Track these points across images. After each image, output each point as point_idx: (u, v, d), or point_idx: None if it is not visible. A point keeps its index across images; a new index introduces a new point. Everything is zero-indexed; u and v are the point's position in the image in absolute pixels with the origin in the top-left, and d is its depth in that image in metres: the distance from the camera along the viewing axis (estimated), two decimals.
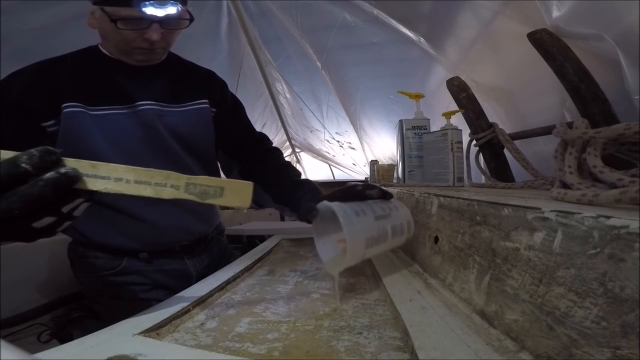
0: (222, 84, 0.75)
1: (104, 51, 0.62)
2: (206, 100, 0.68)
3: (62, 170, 0.27)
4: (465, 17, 0.91)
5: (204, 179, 0.31)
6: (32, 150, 0.26)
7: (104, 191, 0.29)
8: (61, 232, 0.69)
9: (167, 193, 0.30)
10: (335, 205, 0.39)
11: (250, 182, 0.33)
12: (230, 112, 0.75)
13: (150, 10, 0.55)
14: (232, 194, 0.32)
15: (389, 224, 0.42)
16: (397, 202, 0.48)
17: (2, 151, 0.27)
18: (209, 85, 0.71)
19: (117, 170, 0.29)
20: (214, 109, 0.70)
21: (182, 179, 0.31)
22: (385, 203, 0.45)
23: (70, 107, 0.56)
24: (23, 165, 0.26)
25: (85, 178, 0.28)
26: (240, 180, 0.32)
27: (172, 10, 0.56)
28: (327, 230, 0.43)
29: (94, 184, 0.29)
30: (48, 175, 0.26)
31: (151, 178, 0.30)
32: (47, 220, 0.28)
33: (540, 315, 0.25)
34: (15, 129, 0.54)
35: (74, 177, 0.27)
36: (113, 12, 0.54)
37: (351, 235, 0.37)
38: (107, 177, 0.29)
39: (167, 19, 0.56)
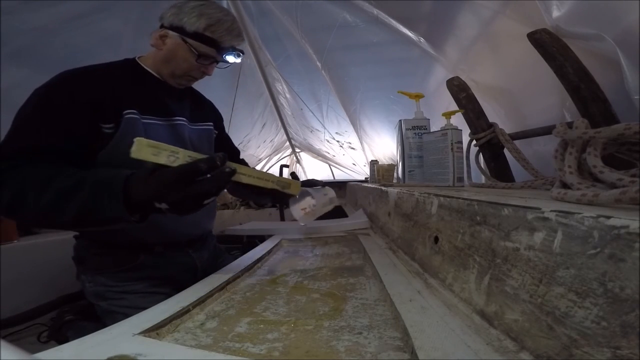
0: (220, 115, 0.93)
1: (145, 68, 0.70)
2: (212, 124, 0.83)
3: (232, 166, 0.43)
4: (465, 17, 0.91)
5: (283, 178, 0.52)
6: (218, 153, 0.41)
7: (243, 182, 0.46)
8: (70, 232, 0.71)
9: (270, 185, 0.50)
10: (309, 188, 0.69)
11: (299, 180, 0.57)
12: (225, 139, 0.94)
13: (230, 59, 0.69)
14: (293, 186, 0.54)
15: (328, 197, 0.74)
16: (328, 187, 0.76)
17: (193, 152, 0.42)
18: (212, 112, 0.89)
19: (250, 170, 0.47)
20: (216, 131, 0.86)
21: (275, 177, 0.51)
22: (324, 188, 0.75)
23: (130, 114, 0.62)
24: (217, 161, 0.40)
25: (237, 174, 0.45)
26: (295, 180, 0.55)
27: (238, 60, 0.70)
28: (294, 203, 0.69)
29: (241, 178, 0.46)
30: (228, 169, 0.41)
31: (263, 176, 0.50)
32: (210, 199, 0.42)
33: (540, 315, 0.25)
34: (87, 127, 0.58)
35: (235, 172, 0.43)
36: (196, 47, 0.64)
37: (318, 200, 0.69)
38: (245, 174, 0.47)
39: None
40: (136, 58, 0.71)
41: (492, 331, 0.30)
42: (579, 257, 0.22)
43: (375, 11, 1.07)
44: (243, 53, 0.71)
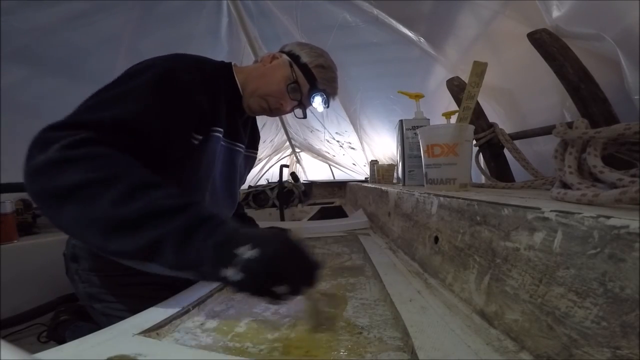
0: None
1: (238, 82, 0.68)
2: (257, 151, 0.85)
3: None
4: (465, 17, 0.91)
5: None
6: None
7: None
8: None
9: None
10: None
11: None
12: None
13: (316, 103, 0.69)
14: None
15: None
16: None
17: None
18: (259, 140, 0.88)
19: None
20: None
21: None
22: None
23: (216, 132, 0.61)
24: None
25: None
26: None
27: (324, 107, 0.71)
28: None
29: None
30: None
31: None
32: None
33: (540, 315, 0.25)
34: (190, 128, 0.56)
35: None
36: (297, 74, 0.66)
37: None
38: None
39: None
40: (234, 69, 0.69)
41: (492, 331, 0.30)
42: (579, 257, 0.22)
43: (375, 11, 1.07)
44: (328, 106, 0.72)
